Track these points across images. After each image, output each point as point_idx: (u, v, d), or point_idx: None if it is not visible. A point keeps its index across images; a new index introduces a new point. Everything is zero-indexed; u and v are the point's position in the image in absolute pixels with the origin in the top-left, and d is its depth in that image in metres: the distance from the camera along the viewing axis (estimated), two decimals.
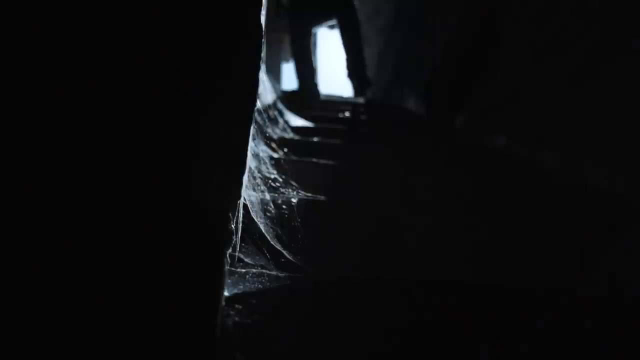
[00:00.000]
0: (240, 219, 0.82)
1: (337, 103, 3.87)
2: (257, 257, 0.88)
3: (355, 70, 3.70)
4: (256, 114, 0.97)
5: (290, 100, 3.00)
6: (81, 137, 0.59)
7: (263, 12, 0.75)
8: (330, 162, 1.44)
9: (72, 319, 0.51)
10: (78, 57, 0.62)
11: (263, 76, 2.86)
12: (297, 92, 3.58)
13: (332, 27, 4.06)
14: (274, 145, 1.28)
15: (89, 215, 0.55)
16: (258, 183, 0.99)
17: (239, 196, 0.79)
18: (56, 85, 0.60)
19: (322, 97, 3.83)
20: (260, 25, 0.70)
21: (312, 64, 3.60)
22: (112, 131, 0.61)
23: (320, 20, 3.74)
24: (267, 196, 1.00)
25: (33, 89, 0.58)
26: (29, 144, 0.56)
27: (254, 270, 0.82)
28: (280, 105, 2.26)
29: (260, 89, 0.79)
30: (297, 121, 2.30)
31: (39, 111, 0.58)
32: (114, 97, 0.62)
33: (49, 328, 0.53)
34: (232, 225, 0.76)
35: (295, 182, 1.10)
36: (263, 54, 0.77)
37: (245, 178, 0.80)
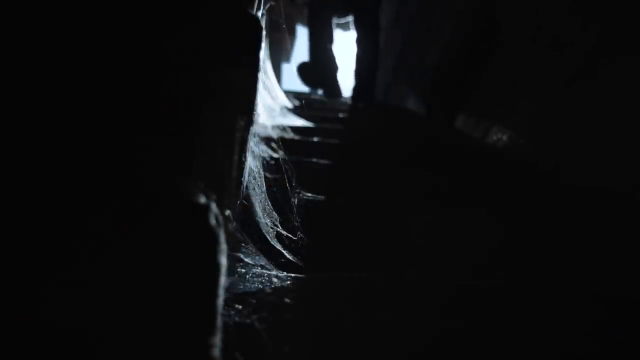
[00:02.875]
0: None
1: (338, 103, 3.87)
2: (257, 257, 0.88)
3: (364, 85, 3.30)
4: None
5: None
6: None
7: (262, 12, 0.75)
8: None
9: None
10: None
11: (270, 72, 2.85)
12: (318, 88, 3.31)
13: (342, 25, 3.79)
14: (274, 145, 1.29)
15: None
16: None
17: (239, 196, 0.79)
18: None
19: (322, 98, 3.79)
20: (260, 25, 0.71)
21: (333, 58, 3.25)
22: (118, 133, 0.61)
23: (341, 11, 3.34)
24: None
25: None
26: None
27: (255, 270, 0.82)
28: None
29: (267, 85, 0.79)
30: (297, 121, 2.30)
31: None
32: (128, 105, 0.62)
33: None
34: (232, 225, 0.76)
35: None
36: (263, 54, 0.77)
37: (245, 177, 0.80)
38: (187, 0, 0.68)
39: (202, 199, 0.51)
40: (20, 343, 0.44)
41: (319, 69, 3.31)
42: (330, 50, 3.29)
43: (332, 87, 3.35)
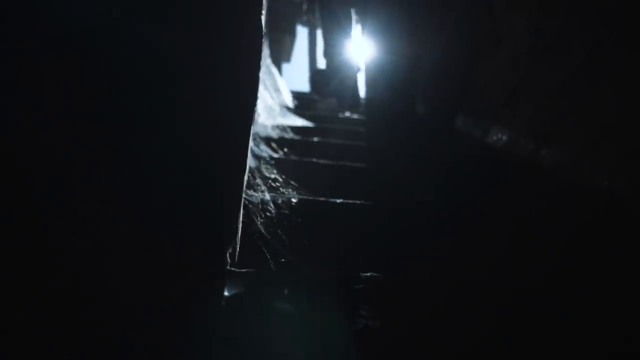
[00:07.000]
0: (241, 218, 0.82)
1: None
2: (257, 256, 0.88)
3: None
4: None
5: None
6: None
7: (263, 12, 0.75)
8: None
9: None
10: None
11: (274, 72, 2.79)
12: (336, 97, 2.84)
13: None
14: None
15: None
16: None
17: (240, 195, 0.79)
18: None
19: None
20: (261, 26, 0.71)
21: (347, 60, 2.76)
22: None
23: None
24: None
25: None
26: None
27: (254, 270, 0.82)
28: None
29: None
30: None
31: None
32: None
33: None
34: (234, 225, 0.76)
35: None
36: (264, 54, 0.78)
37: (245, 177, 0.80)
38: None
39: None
40: None
41: (333, 73, 2.80)
42: (344, 50, 2.77)
43: (347, 95, 2.81)
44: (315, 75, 2.97)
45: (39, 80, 0.61)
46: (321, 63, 4.33)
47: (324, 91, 2.92)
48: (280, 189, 1.12)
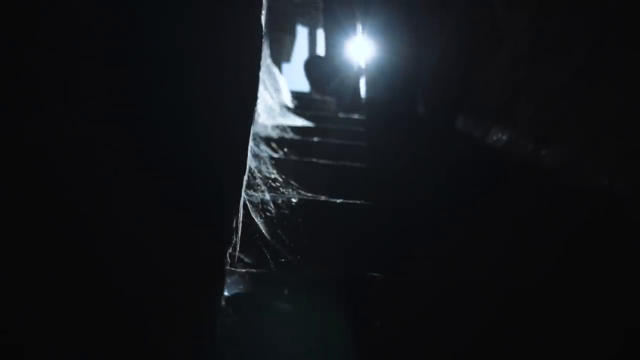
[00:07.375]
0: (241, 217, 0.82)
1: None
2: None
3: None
4: None
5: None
6: None
7: (263, 12, 0.75)
8: None
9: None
10: None
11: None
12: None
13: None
14: None
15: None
16: None
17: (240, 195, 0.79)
18: None
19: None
20: (261, 26, 0.71)
21: (348, 60, 2.70)
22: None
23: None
24: None
25: None
26: None
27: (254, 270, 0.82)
28: None
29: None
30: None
31: None
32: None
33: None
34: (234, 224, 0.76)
35: None
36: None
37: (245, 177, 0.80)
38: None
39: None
40: None
41: (334, 70, 2.73)
42: (345, 50, 2.70)
43: (348, 95, 2.72)
44: (313, 71, 2.88)
45: (80, 82, 0.61)
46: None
47: (324, 89, 2.89)
48: (280, 189, 1.13)
